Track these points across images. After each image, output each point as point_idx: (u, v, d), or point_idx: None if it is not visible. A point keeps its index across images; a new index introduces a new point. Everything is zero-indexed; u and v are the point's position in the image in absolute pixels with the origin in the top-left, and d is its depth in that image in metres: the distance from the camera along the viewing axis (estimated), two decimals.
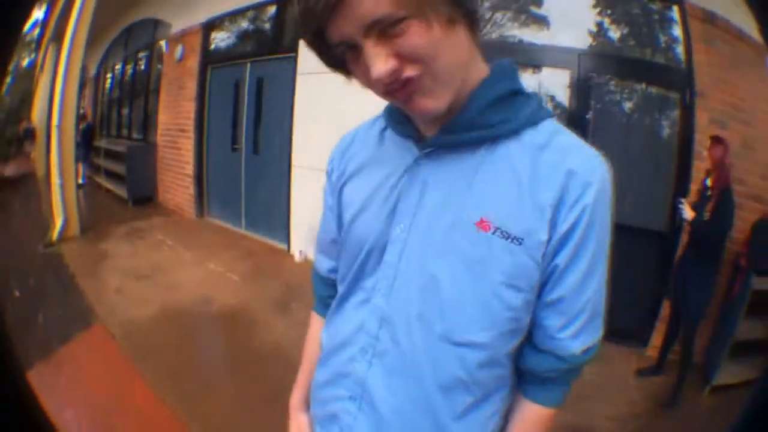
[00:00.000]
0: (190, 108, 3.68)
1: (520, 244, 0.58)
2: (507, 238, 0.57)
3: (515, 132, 0.60)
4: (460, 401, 0.63)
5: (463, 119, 0.59)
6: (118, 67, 4.72)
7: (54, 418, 0.65)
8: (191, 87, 3.69)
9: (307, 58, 3.24)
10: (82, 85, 4.06)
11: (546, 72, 3.10)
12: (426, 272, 0.60)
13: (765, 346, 2.53)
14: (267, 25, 3.55)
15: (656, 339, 2.90)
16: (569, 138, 0.62)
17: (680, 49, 2.90)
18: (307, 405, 0.85)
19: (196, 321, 3.00)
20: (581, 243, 0.59)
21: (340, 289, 0.73)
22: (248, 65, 3.53)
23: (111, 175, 4.45)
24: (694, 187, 2.77)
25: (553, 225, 0.58)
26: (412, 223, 0.62)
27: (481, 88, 0.60)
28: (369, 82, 0.55)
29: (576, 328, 0.62)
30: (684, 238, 2.74)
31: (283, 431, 0.90)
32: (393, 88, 0.54)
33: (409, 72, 0.52)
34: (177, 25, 4.02)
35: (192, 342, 2.79)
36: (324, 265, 0.82)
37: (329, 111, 3.08)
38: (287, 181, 3.23)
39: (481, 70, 0.62)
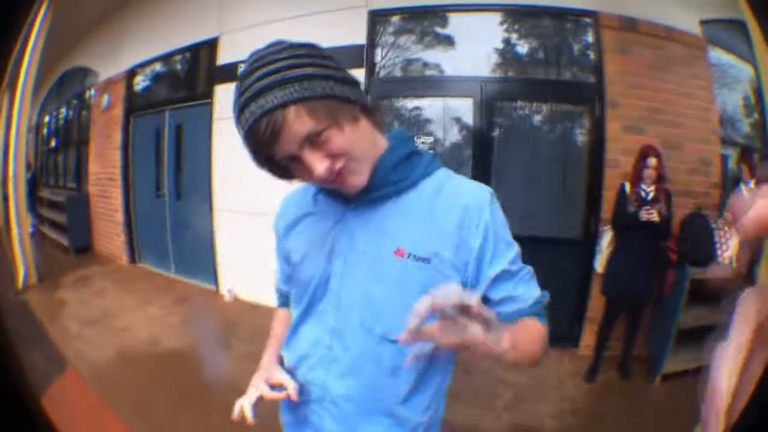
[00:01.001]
0: (116, 156, 3.71)
1: (428, 263, 0.77)
2: (418, 260, 0.77)
3: (414, 184, 0.81)
4: (404, 386, 0.81)
5: (375, 182, 0.78)
6: (54, 115, 4.73)
7: None
8: (116, 136, 3.72)
9: (222, 103, 3.31)
10: (27, 134, 4.08)
11: (450, 100, 3.18)
12: (363, 292, 0.79)
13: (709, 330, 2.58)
14: (183, 73, 3.60)
15: (588, 339, 2.99)
16: (457, 179, 0.84)
17: (591, 62, 2.96)
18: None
19: (149, 361, 3.08)
20: (495, 242, 0.79)
21: (296, 314, 0.91)
22: (167, 113, 3.58)
23: (54, 225, 4.47)
24: (609, 194, 2.86)
25: (464, 243, 0.78)
26: (347, 259, 0.80)
27: (384, 157, 0.80)
28: (312, 179, 0.74)
29: (522, 286, 0.83)
30: (608, 239, 2.83)
31: None
32: (330, 178, 0.73)
33: (338, 164, 0.72)
34: (104, 74, 4.05)
35: (150, 381, 2.86)
36: (282, 288, 1.03)
37: (246, 155, 3.13)
38: (210, 225, 3.28)
39: (382, 142, 0.82)
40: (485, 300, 0.82)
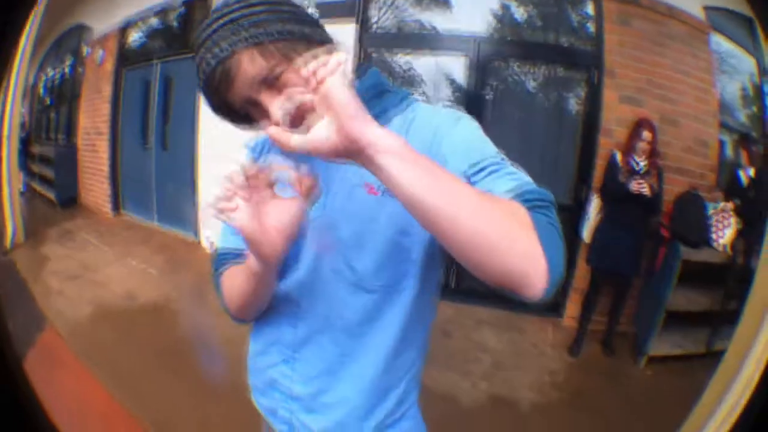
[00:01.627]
0: (106, 110, 3.71)
1: None
2: (393, 196, 0.64)
3: (386, 120, 0.73)
4: (383, 345, 0.76)
5: None
6: (50, 74, 4.73)
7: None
8: (107, 89, 3.73)
9: None
10: (24, 94, 4.08)
11: (442, 57, 3.14)
12: (333, 236, 0.73)
13: (712, 317, 2.58)
14: (175, 25, 3.60)
15: (571, 309, 2.96)
16: (431, 108, 0.76)
17: (590, 30, 2.97)
18: None
19: (126, 318, 3.08)
20: (462, 148, 0.67)
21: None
22: (158, 65, 3.57)
23: (43, 180, 4.47)
24: (600, 163, 2.83)
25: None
26: (323, 203, 0.73)
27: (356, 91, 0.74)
28: (274, 123, 0.66)
29: (509, 178, 0.63)
30: (596, 207, 2.80)
31: (228, 415, 0.93)
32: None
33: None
34: (99, 30, 4.05)
35: (126, 338, 2.85)
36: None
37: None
38: (193, 174, 3.26)
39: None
40: None
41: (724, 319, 2.45)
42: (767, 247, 1.95)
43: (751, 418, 0.74)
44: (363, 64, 0.84)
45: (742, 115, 2.93)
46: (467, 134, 0.71)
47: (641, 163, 2.60)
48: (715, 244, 2.64)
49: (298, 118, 0.62)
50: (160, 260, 3.46)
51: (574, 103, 3.06)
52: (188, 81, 3.32)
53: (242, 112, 0.70)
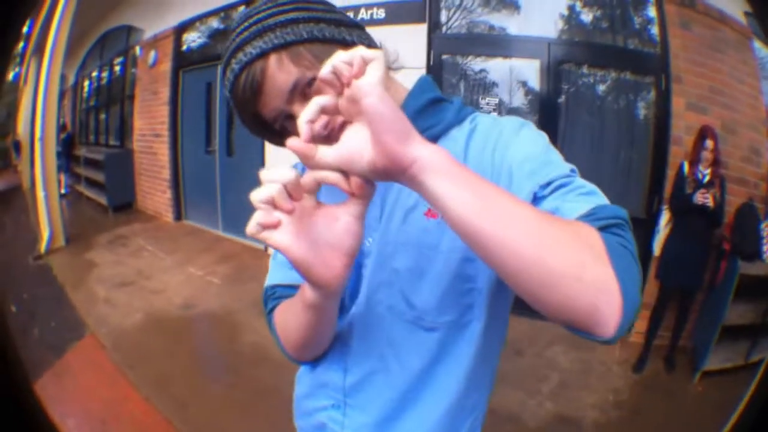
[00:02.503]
0: (164, 112, 3.67)
1: None
2: None
3: (444, 132, 0.64)
4: (446, 389, 0.66)
5: None
6: (94, 74, 4.70)
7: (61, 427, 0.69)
8: (164, 91, 3.68)
9: None
10: (62, 95, 4.05)
11: (516, 61, 3.09)
12: (389, 268, 0.63)
13: (753, 330, 2.55)
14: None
15: (640, 325, 2.91)
16: (490, 117, 0.67)
17: (654, 34, 2.88)
18: None
19: (179, 326, 3.01)
20: (529, 163, 0.58)
21: None
22: (219, 67, 3.50)
23: (91, 183, 4.45)
24: (671, 173, 2.78)
25: (500, 176, 0.60)
26: (378, 233, 0.64)
27: (406, 103, 0.65)
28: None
29: (551, 189, 0.56)
30: (665, 219, 2.76)
31: (272, 431, 0.88)
32: (331, 135, 0.55)
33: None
34: (150, 30, 4.01)
35: (178, 347, 2.79)
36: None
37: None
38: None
39: (402, 90, 0.67)
40: None
41: (764, 331, 2.48)
42: None
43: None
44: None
45: None
46: (532, 145, 0.62)
47: (705, 172, 2.54)
48: (765, 257, 2.58)
49: (331, 132, 0.53)
50: (224, 269, 3.39)
51: (644, 109, 3.00)
52: None
53: (274, 126, 0.61)
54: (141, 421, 2.21)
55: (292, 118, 0.58)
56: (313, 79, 0.55)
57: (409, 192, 0.60)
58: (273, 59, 0.56)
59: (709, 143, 2.53)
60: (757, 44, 2.80)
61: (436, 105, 0.67)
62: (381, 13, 2.96)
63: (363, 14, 2.96)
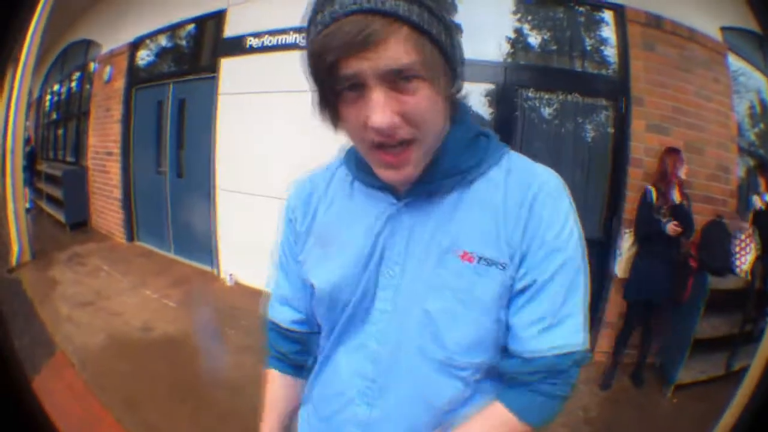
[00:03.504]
0: (116, 130, 3.60)
1: (505, 268, 0.61)
2: (491, 265, 0.61)
3: (483, 172, 0.64)
4: (461, 413, 0.65)
5: (439, 169, 0.62)
6: (56, 88, 4.61)
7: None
8: (117, 108, 3.60)
9: (227, 78, 3.18)
10: (28, 108, 3.98)
11: (470, 85, 3.03)
12: (420, 309, 0.62)
13: (730, 341, 2.60)
14: (188, 46, 3.47)
15: (602, 344, 2.89)
16: (526, 162, 0.66)
17: (613, 57, 2.85)
18: None
19: (141, 349, 2.97)
20: (532, 236, 0.62)
21: (325, 342, 0.72)
22: (170, 86, 3.45)
23: (50, 199, 4.37)
24: (630, 194, 2.76)
25: (523, 240, 0.61)
26: (403, 268, 0.63)
27: (452, 138, 0.63)
28: (359, 127, 0.55)
29: (539, 325, 0.62)
30: (629, 242, 2.73)
31: None
32: (383, 145, 0.55)
33: (404, 134, 0.54)
34: (107, 45, 3.93)
35: (141, 370, 2.74)
36: (287, 316, 0.77)
37: (251, 133, 3.01)
38: (212, 204, 3.16)
39: (445, 116, 0.63)
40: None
41: (742, 340, 2.54)
42: None
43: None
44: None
45: (750, 134, 2.91)
46: (555, 230, 0.62)
47: (674, 195, 2.53)
48: (737, 271, 2.62)
49: (389, 145, 0.55)
50: (178, 293, 3.33)
51: (603, 132, 2.96)
52: (203, 104, 3.20)
53: (335, 87, 0.54)
54: None
55: (361, 89, 0.53)
56: (414, 76, 0.52)
57: (445, 231, 0.62)
58: (405, 30, 0.50)
59: (678, 166, 2.53)
60: (733, 59, 2.80)
61: (477, 141, 0.66)
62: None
63: None
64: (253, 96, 3.03)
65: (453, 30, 0.57)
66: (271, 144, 2.99)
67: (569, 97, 3.00)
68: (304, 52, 0.55)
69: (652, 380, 2.75)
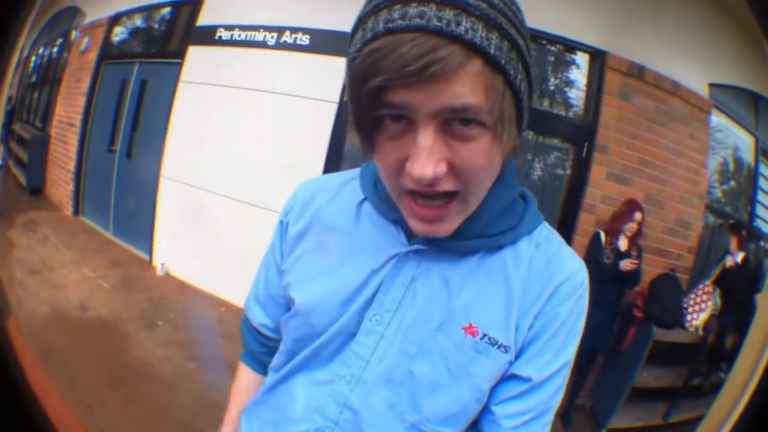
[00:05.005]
0: (80, 102, 3.56)
1: (506, 351, 0.57)
2: (494, 345, 0.57)
3: (514, 240, 0.59)
4: None
5: (471, 229, 0.56)
6: (41, 50, 4.59)
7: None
8: (86, 80, 3.57)
9: (192, 66, 3.13)
10: (17, 65, 3.95)
11: None
12: (404, 368, 0.58)
13: (667, 392, 2.66)
14: (157, 27, 3.44)
15: None
16: (556, 243, 0.61)
17: (587, 102, 2.81)
18: None
19: (77, 327, 2.97)
20: (541, 333, 0.58)
21: (280, 360, 0.68)
22: (137, 65, 3.41)
23: (18, 161, 4.35)
24: (577, 239, 2.71)
25: (530, 328, 0.58)
26: (392, 319, 0.58)
27: (493, 198, 0.56)
28: (394, 167, 0.48)
29: (523, 418, 0.60)
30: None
31: None
32: (418, 194, 0.48)
33: (446, 186, 0.47)
34: (90, 16, 3.90)
35: (79, 348, 2.75)
36: (257, 317, 0.75)
37: (204, 124, 2.96)
38: (155, 191, 3.11)
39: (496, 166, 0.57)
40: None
41: (686, 393, 2.62)
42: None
43: None
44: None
45: (717, 191, 2.89)
46: (565, 331, 0.59)
47: (621, 244, 2.56)
48: (687, 326, 2.64)
49: (427, 194, 0.47)
50: (113, 275, 3.30)
51: (560, 175, 2.89)
52: (164, 88, 3.16)
53: (376, 113, 0.46)
54: (63, 421, 2.15)
55: (406, 122, 0.45)
56: (476, 121, 0.44)
57: (455, 296, 0.56)
58: (477, 64, 0.42)
59: (638, 216, 2.55)
60: (715, 117, 2.75)
61: (515, 205, 0.60)
62: (305, 40, 2.83)
63: (286, 37, 2.82)
64: (213, 88, 2.98)
65: (532, 73, 0.47)
66: (222, 139, 2.94)
67: (530, 136, 2.93)
68: (346, 62, 0.47)
69: (583, 422, 2.74)
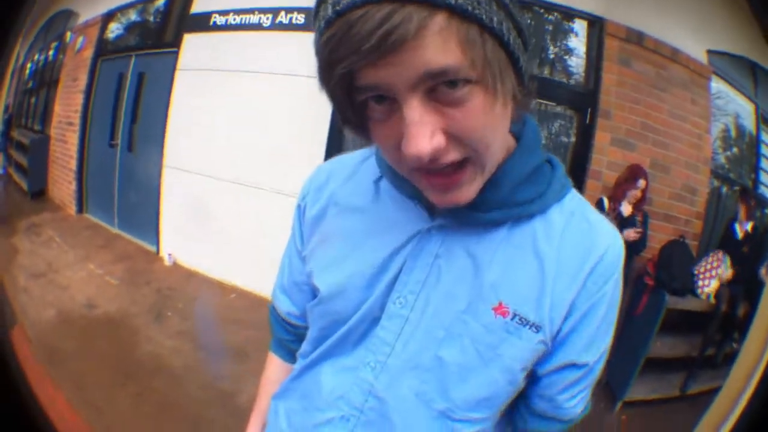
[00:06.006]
0: (78, 100, 3.56)
1: (538, 331, 0.54)
2: (525, 325, 0.54)
3: (542, 211, 0.55)
4: None
5: (494, 198, 0.52)
6: (36, 56, 4.60)
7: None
8: (83, 78, 3.58)
9: (188, 53, 3.12)
10: (13, 74, 3.95)
11: None
12: (431, 353, 0.55)
13: (682, 363, 2.62)
14: (152, 20, 3.44)
15: None
16: (589, 213, 0.57)
17: (588, 68, 2.79)
18: None
19: (84, 327, 2.94)
20: (592, 317, 0.56)
21: (308, 347, 0.66)
22: (133, 58, 3.41)
23: (18, 166, 4.35)
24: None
25: (571, 307, 0.54)
26: (416, 300, 0.55)
27: (514, 163, 0.53)
28: (392, 149, 0.45)
29: (581, 396, 0.62)
30: None
31: None
32: (425, 170, 0.45)
33: (452, 156, 0.43)
34: (84, 16, 3.91)
35: (86, 349, 2.74)
36: (283, 306, 0.72)
37: (203, 111, 2.95)
38: (158, 182, 3.09)
39: (511, 141, 0.55)
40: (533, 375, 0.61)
41: (701, 364, 2.56)
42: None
43: None
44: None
45: (722, 158, 2.87)
46: (603, 310, 0.56)
47: (626, 210, 2.53)
48: (699, 293, 2.59)
49: (434, 170, 0.44)
50: (120, 269, 3.29)
51: (564, 142, 2.88)
52: (161, 78, 3.15)
53: (356, 99, 0.43)
54: (70, 424, 2.14)
55: (389, 102, 0.42)
56: (463, 80, 0.39)
57: (482, 273, 0.53)
58: (441, 19, 0.37)
59: (642, 183, 2.52)
60: (715, 83, 2.73)
61: (541, 170, 0.56)
62: (301, 19, 2.83)
63: (282, 18, 2.81)
64: (211, 73, 2.97)
65: (514, 11, 0.42)
66: (223, 124, 2.93)
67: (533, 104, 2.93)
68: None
69: (599, 395, 2.66)
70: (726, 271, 2.61)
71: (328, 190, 0.63)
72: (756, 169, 2.79)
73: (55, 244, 3.66)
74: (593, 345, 0.57)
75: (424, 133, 0.40)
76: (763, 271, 2.48)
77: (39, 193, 3.96)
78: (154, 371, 2.53)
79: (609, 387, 2.68)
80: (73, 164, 3.60)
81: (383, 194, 0.60)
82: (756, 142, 2.81)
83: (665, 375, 2.64)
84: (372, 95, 0.42)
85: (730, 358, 2.50)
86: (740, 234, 2.66)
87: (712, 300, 2.58)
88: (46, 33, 4.55)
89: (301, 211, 0.67)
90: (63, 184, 3.70)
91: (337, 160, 0.67)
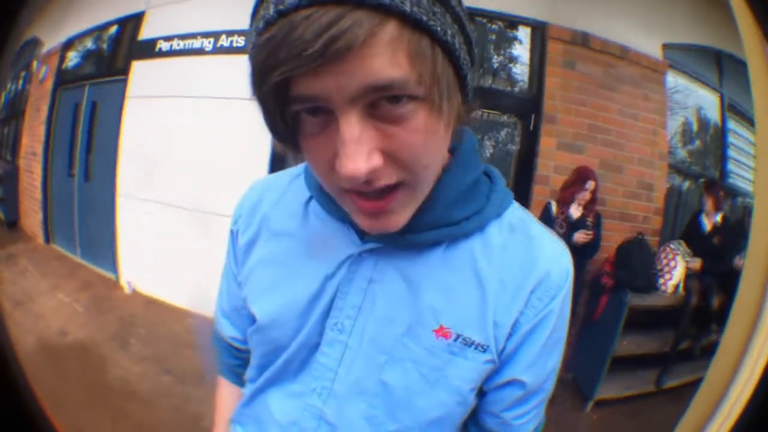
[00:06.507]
0: (41, 131, 3.61)
1: (485, 351, 0.53)
2: (470, 345, 0.53)
3: (481, 225, 0.52)
4: None
5: (428, 218, 0.49)
6: (9, 86, 4.68)
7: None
8: (44, 109, 3.62)
9: (137, 81, 3.14)
10: None
11: None
12: (374, 378, 0.54)
13: (654, 358, 2.64)
14: (108, 47, 3.46)
15: None
16: (535, 232, 0.55)
17: (530, 74, 2.78)
18: None
19: (61, 353, 3.03)
20: (538, 335, 0.55)
21: (253, 373, 0.65)
22: (87, 87, 3.44)
23: None
24: (534, 212, 2.65)
25: (515, 324, 0.53)
26: (354, 326, 0.54)
27: (449, 180, 0.51)
28: (324, 166, 0.42)
29: (532, 414, 0.60)
30: None
31: None
32: (356, 191, 0.42)
33: (387, 179, 0.41)
34: (47, 45, 3.95)
35: (64, 374, 2.76)
36: (226, 331, 0.72)
37: (153, 138, 2.97)
38: (113, 210, 3.13)
39: (445, 155, 0.51)
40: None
41: (676, 358, 2.58)
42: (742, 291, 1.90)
43: None
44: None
45: (683, 152, 2.86)
46: (550, 327, 0.54)
47: (574, 212, 2.52)
48: (662, 287, 2.60)
49: (365, 191, 0.40)
50: (85, 297, 3.36)
51: (509, 149, 2.84)
52: (113, 107, 3.18)
53: (289, 110, 0.40)
54: None
55: (324, 115, 0.39)
56: (408, 96, 0.37)
57: (420, 296, 0.51)
58: (392, 28, 0.35)
59: (590, 184, 2.49)
60: (671, 77, 2.71)
61: (478, 186, 0.53)
62: (241, 42, 2.83)
63: (223, 41, 2.81)
64: (158, 100, 2.99)
65: (466, 24, 0.39)
66: (170, 150, 2.95)
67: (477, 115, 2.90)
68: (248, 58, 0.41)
69: (566, 396, 2.69)
70: (692, 261, 2.60)
71: (260, 213, 0.62)
72: (723, 159, 2.76)
73: (29, 274, 3.73)
74: (538, 362, 0.56)
75: (361, 152, 0.38)
76: (737, 259, 2.43)
77: (13, 224, 4.05)
78: (126, 396, 2.59)
79: (576, 385, 2.70)
80: (38, 194, 3.66)
81: (312, 217, 0.58)
82: (722, 132, 2.77)
83: (637, 371, 2.65)
84: (304, 108, 0.39)
85: (710, 349, 2.48)
86: (708, 226, 2.63)
87: (681, 291, 2.58)
88: (16, 63, 4.63)
89: (234, 236, 0.65)
90: (31, 215, 3.76)
91: (269, 179, 0.66)
